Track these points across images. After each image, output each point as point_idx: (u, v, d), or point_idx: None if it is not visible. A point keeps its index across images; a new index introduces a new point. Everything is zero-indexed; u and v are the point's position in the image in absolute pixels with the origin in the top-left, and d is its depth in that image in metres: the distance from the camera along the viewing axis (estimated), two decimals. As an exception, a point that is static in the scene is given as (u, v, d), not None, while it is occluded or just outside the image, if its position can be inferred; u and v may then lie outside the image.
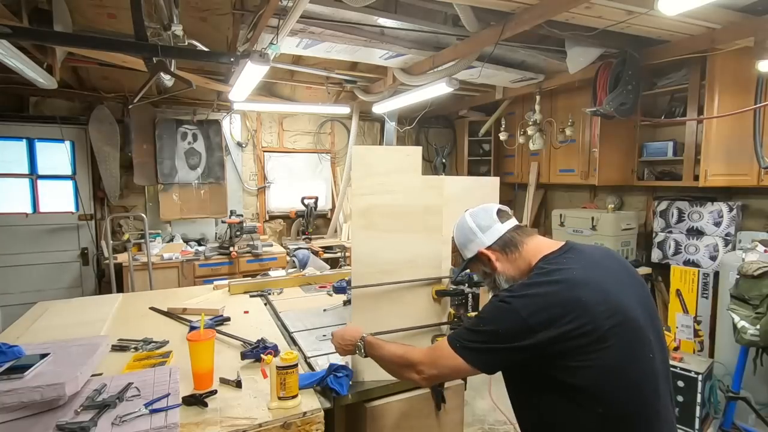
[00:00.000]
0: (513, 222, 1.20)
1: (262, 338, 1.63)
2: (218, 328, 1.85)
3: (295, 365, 1.26)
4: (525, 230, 1.20)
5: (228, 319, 1.98)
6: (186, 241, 4.47)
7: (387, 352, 1.22)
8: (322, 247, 4.50)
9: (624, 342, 0.95)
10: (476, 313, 1.11)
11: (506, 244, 1.18)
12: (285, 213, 5.07)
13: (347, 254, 4.55)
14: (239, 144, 4.81)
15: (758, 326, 2.23)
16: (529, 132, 4.15)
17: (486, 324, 1.03)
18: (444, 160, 5.60)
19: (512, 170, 5.12)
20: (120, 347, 1.66)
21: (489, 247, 1.18)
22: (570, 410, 0.99)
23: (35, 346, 1.37)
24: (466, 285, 1.40)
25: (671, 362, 2.76)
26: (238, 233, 4.13)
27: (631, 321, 0.98)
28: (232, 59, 2.26)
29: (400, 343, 1.25)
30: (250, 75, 2.93)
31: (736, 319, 2.31)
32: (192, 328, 1.80)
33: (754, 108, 2.70)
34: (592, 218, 3.84)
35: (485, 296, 1.66)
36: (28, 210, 3.95)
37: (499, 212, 1.20)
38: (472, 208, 1.24)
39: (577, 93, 3.96)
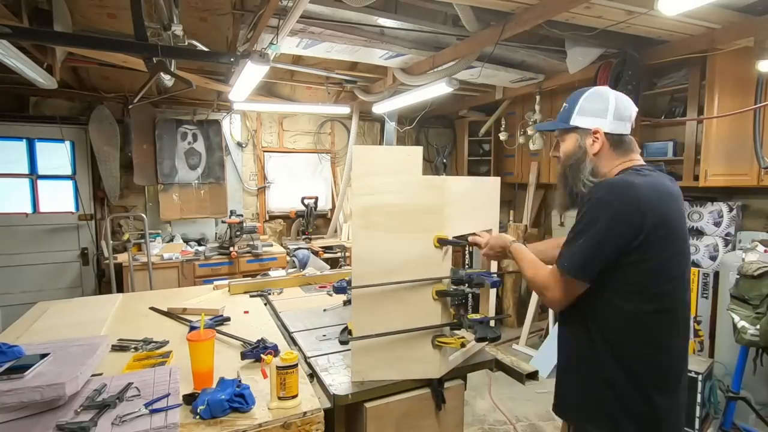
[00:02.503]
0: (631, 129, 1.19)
1: (262, 338, 1.63)
2: (218, 328, 1.85)
3: (295, 365, 1.26)
4: (634, 144, 1.19)
5: (228, 319, 1.98)
6: (186, 241, 4.47)
7: (523, 265, 1.26)
8: (322, 247, 4.50)
9: (681, 249, 1.12)
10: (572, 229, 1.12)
11: (618, 144, 1.17)
12: (285, 213, 5.07)
13: (347, 254, 4.55)
14: (239, 144, 4.81)
15: (758, 326, 2.23)
16: (529, 132, 4.15)
17: (590, 226, 1.06)
18: (444, 160, 5.60)
19: (512, 170, 5.12)
20: (120, 347, 1.66)
21: (607, 133, 1.15)
22: (627, 309, 1.10)
23: (35, 345, 1.37)
24: (466, 285, 1.40)
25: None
26: (238, 233, 4.13)
27: (682, 230, 1.14)
28: (232, 59, 2.26)
29: (533, 259, 1.26)
30: (250, 75, 2.93)
31: (736, 319, 2.31)
32: (192, 328, 1.79)
33: (754, 108, 2.70)
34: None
35: (485, 296, 1.66)
36: (28, 210, 3.95)
37: (635, 114, 1.18)
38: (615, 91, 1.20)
39: (577, 93, 3.95)
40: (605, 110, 1.15)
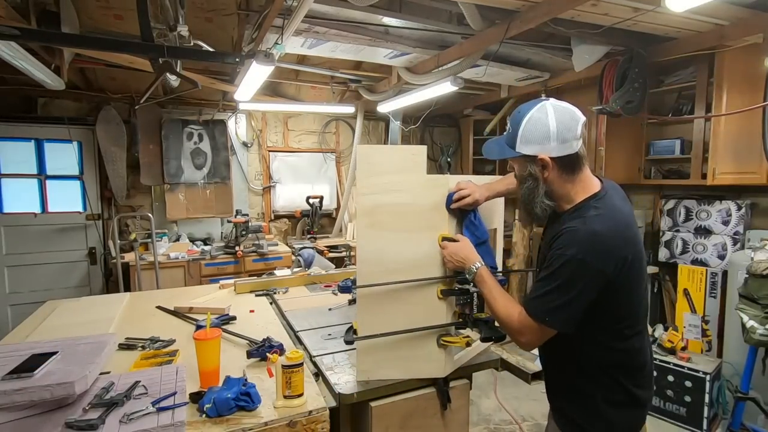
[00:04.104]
0: (581, 142, 1.14)
1: (267, 337, 1.63)
2: (224, 326, 1.86)
3: (301, 364, 1.27)
4: (584, 157, 1.17)
5: (234, 318, 1.99)
6: (192, 240, 4.49)
7: (492, 301, 1.23)
8: (327, 247, 4.51)
9: (642, 269, 1.17)
10: (544, 275, 1.13)
11: (569, 164, 1.14)
12: (290, 212, 5.08)
13: (352, 253, 4.55)
14: (245, 144, 4.83)
15: (767, 326, 2.21)
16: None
17: (568, 286, 1.08)
18: (449, 159, 5.59)
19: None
20: (127, 346, 1.67)
21: (553, 158, 1.12)
22: (604, 338, 1.17)
23: (43, 343, 1.39)
24: (471, 285, 1.39)
25: (679, 362, 2.74)
26: (243, 233, 4.15)
27: (639, 248, 1.16)
28: (237, 59, 2.26)
29: (503, 294, 1.24)
30: (255, 75, 2.94)
31: (745, 318, 2.29)
32: (198, 327, 1.81)
33: (762, 105, 2.67)
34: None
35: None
36: (37, 210, 3.99)
37: (582, 127, 1.12)
38: (554, 100, 1.14)
39: (583, 91, 3.92)
40: (547, 136, 1.10)
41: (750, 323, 2.26)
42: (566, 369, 1.26)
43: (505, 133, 1.21)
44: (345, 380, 1.40)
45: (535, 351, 1.32)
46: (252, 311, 2.13)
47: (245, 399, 1.22)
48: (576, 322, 1.11)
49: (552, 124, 1.10)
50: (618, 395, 1.19)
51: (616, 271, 1.08)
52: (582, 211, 1.14)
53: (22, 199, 3.94)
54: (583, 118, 1.13)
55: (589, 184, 1.18)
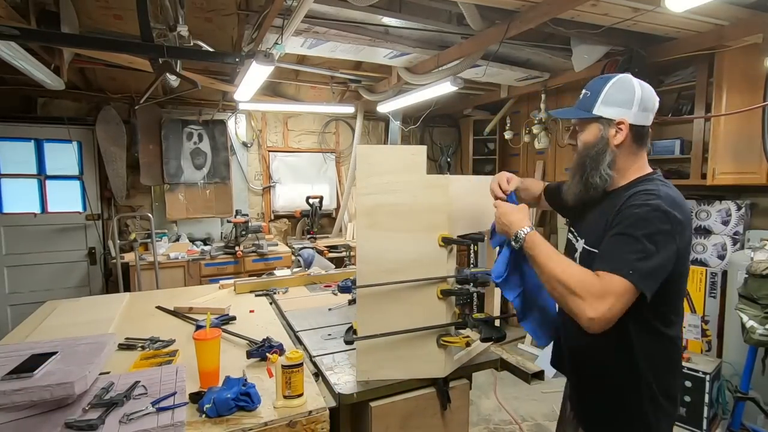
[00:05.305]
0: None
1: (267, 337, 1.63)
2: (224, 327, 1.86)
3: (301, 364, 1.26)
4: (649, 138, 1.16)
5: (234, 318, 1.99)
6: (192, 240, 4.49)
7: (552, 266, 1.06)
8: (327, 247, 4.51)
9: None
10: (616, 231, 1.03)
11: (640, 137, 1.13)
12: (290, 212, 5.08)
13: (352, 253, 4.55)
14: (244, 144, 4.83)
15: (767, 326, 2.21)
16: (535, 131, 4.13)
17: (650, 237, 0.99)
18: (449, 159, 5.59)
19: (517, 169, 5.09)
20: (127, 346, 1.67)
21: (631, 125, 1.11)
22: (654, 327, 1.09)
23: (43, 343, 1.39)
24: (471, 284, 1.39)
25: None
26: (243, 233, 4.15)
27: None
28: (237, 59, 2.26)
29: (565, 258, 1.11)
30: (255, 75, 2.94)
31: (745, 318, 2.29)
32: (198, 327, 1.81)
33: (762, 105, 2.67)
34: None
35: (489, 295, 1.66)
36: (37, 210, 3.99)
37: (655, 107, 1.14)
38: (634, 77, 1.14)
39: (583, 91, 3.93)
40: (631, 100, 1.10)
41: (750, 323, 2.26)
42: (613, 377, 1.13)
43: (578, 101, 1.19)
44: (345, 380, 1.40)
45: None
46: (252, 311, 2.13)
47: (245, 399, 1.22)
48: (657, 284, 0.99)
49: (638, 89, 1.11)
50: (665, 409, 1.11)
51: (687, 240, 1.04)
52: (646, 182, 1.11)
53: (21, 199, 3.94)
54: (658, 99, 1.15)
55: (644, 165, 1.17)
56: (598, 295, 0.97)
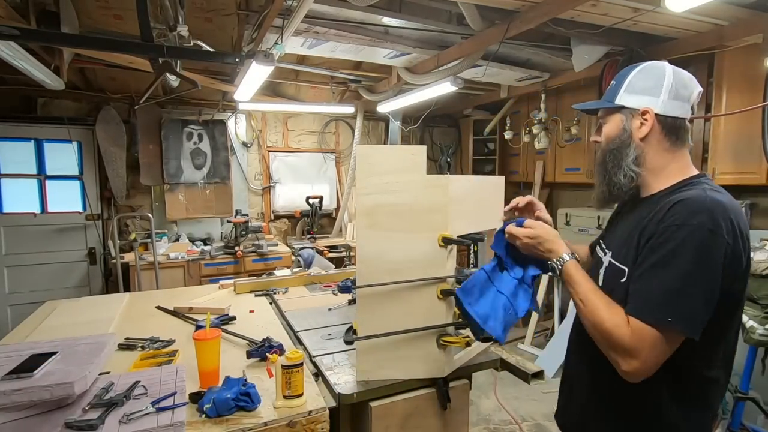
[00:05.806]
0: (692, 113, 0.97)
1: (267, 337, 1.63)
2: (224, 327, 1.86)
3: (301, 364, 1.26)
4: (690, 134, 0.98)
5: (233, 318, 1.99)
6: (192, 240, 4.49)
7: (589, 306, 0.94)
8: (327, 247, 4.51)
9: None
10: (652, 261, 0.87)
11: (674, 130, 0.96)
12: (290, 212, 5.08)
13: (352, 253, 4.55)
14: (244, 144, 4.83)
15: (767, 326, 2.21)
16: (535, 130, 4.13)
17: (694, 268, 0.82)
18: (449, 159, 5.59)
19: (517, 169, 5.10)
20: (127, 346, 1.67)
21: (659, 115, 0.95)
22: (694, 370, 0.93)
23: (43, 343, 1.39)
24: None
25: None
26: (243, 233, 4.15)
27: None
28: (237, 59, 2.26)
29: (604, 296, 0.95)
30: (255, 75, 2.94)
31: (745, 318, 2.29)
32: (198, 327, 1.80)
33: (762, 105, 2.67)
34: (598, 217, 3.81)
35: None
36: (37, 210, 3.99)
37: (698, 95, 0.97)
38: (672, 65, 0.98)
39: (583, 91, 3.93)
40: (658, 87, 0.95)
41: (750, 323, 2.26)
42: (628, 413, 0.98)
43: (606, 90, 1.08)
44: (345, 380, 1.40)
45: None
46: (252, 311, 2.13)
47: (245, 399, 1.22)
48: (704, 322, 0.84)
49: (668, 74, 0.96)
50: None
51: (740, 256, 0.85)
52: (690, 186, 0.93)
53: (21, 199, 3.94)
54: (700, 87, 0.98)
55: (688, 165, 0.98)
56: (629, 351, 0.87)
